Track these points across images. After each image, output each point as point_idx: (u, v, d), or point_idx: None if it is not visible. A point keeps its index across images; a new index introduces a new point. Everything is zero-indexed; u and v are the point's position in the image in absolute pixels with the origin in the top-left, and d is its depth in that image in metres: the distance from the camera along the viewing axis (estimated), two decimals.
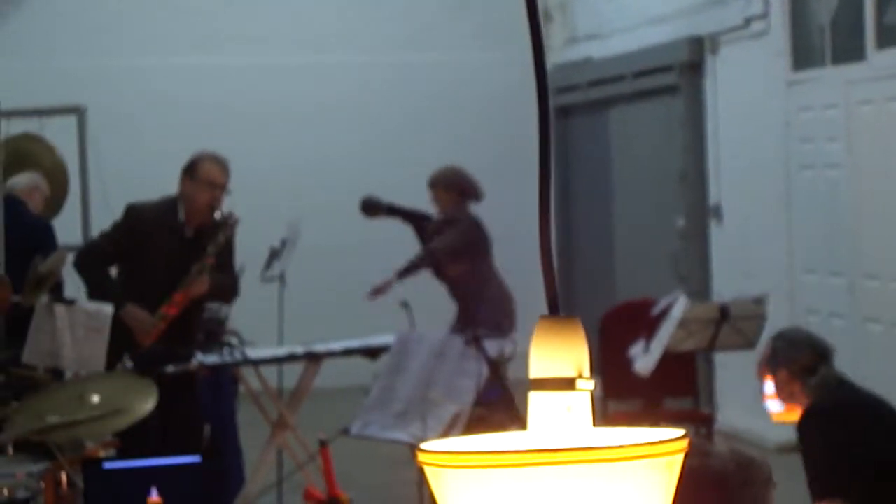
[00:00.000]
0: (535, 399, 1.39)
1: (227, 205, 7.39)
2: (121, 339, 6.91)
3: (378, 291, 9.17)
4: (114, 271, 7.42)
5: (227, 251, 7.37)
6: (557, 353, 1.39)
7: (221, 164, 7.32)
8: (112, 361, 6.78)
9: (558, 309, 1.42)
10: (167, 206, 7.25)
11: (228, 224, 7.20)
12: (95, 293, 7.16)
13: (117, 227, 7.31)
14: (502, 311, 9.02)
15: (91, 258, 7.26)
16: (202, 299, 7.35)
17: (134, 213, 7.26)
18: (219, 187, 7.23)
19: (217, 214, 7.20)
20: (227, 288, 7.45)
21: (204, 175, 7.21)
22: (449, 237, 8.85)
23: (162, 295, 7.12)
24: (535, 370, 1.39)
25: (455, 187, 9.26)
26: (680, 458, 1.36)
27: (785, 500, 7.79)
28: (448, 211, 9.08)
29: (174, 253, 7.15)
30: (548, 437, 1.37)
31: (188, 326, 7.34)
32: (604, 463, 1.30)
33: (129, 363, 6.92)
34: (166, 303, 7.12)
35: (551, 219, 1.47)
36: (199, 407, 7.31)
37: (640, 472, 1.32)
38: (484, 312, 8.88)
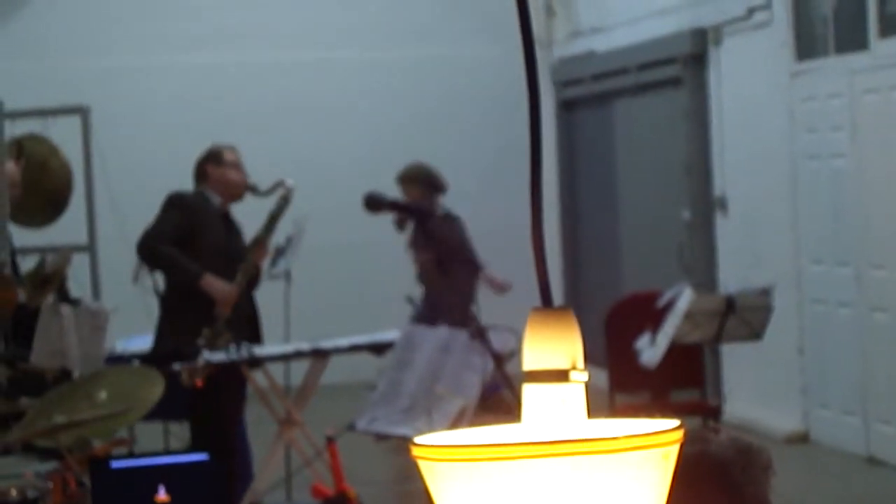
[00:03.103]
0: (529, 391, 1.39)
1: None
2: (201, 314, 7.17)
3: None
4: None
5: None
6: (551, 345, 1.39)
7: (236, 150, 7.72)
8: (194, 337, 6.99)
9: (551, 300, 1.41)
10: (199, 194, 7.53)
11: (282, 192, 7.62)
12: (174, 272, 7.37)
13: (169, 214, 7.47)
14: (464, 303, 9.64)
15: (157, 242, 7.38)
16: (255, 279, 7.60)
17: (180, 199, 7.49)
18: (242, 168, 7.63)
19: (263, 187, 7.60)
20: (259, 271, 7.75)
21: (230, 157, 7.60)
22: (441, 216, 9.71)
23: (217, 275, 7.34)
24: (529, 362, 1.39)
25: (424, 181, 9.91)
26: (675, 449, 1.35)
27: (794, 490, 7.80)
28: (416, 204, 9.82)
29: (220, 235, 7.45)
30: (542, 430, 1.36)
31: (254, 311, 7.59)
32: (598, 455, 1.29)
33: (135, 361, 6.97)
34: (243, 268, 7.39)
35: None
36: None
37: (634, 464, 1.31)
38: (447, 300, 9.49)
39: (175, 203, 7.47)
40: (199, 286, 7.31)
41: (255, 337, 7.53)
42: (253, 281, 7.67)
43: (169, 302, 7.51)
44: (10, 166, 7.99)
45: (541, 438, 1.29)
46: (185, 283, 7.38)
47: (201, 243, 7.38)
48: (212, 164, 7.54)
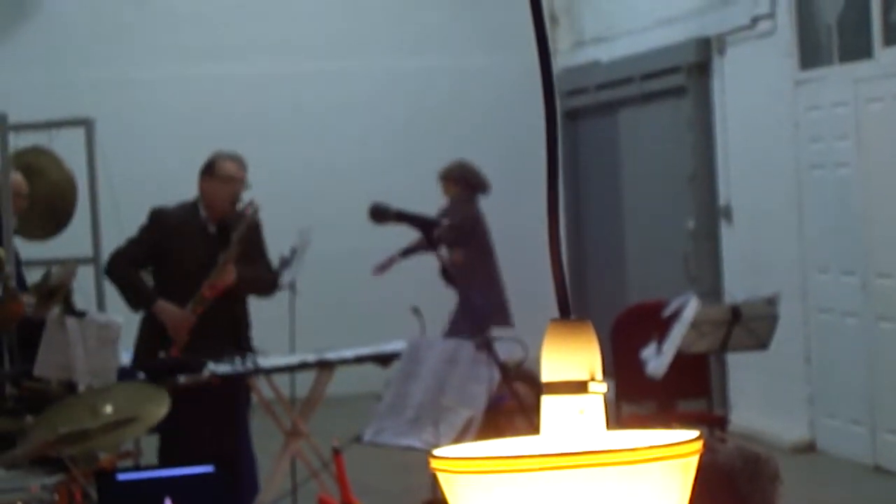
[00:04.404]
0: (548, 403, 1.38)
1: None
2: (157, 338, 7.08)
3: (382, 269, 10.11)
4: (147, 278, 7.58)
5: (256, 243, 7.54)
6: (569, 356, 1.38)
7: (238, 161, 7.57)
8: (149, 360, 6.94)
9: (569, 311, 1.41)
10: (188, 207, 7.46)
11: (249, 211, 7.39)
12: (128, 295, 7.36)
13: (144, 232, 7.49)
14: (495, 303, 9.67)
15: (121, 263, 7.40)
16: (240, 293, 7.47)
17: (158, 216, 7.45)
18: (238, 181, 7.46)
19: (238, 206, 7.42)
20: (262, 280, 7.63)
21: (222, 171, 7.45)
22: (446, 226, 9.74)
23: (193, 292, 7.27)
24: (547, 374, 1.38)
25: (462, 180, 9.95)
26: (695, 460, 1.35)
27: (801, 500, 7.77)
28: (455, 203, 9.66)
29: (200, 251, 7.34)
30: (561, 441, 1.36)
31: (238, 328, 7.50)
32: (618, 466, 1.29)
33: (141, 374, 6.95)
34: (196, 297, 7.26)
35: (560, 222, 1.47)
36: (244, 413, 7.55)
37: (654, 475, 1.31)
38: (478, 300, 9.52)
39: (151, 220, 7.46)
40: (152, 312, 7.28)
41: (238, 348, 7.42)
42: (249, 289, 7.56)
43: (144, 316, 7.50)
44: (17, 177, 8.00)
45: (561, 450, 1.29)
46: (139, 307, 7.36)
47: (176, 259, 7.32)
48: (206, 175, 7.49)
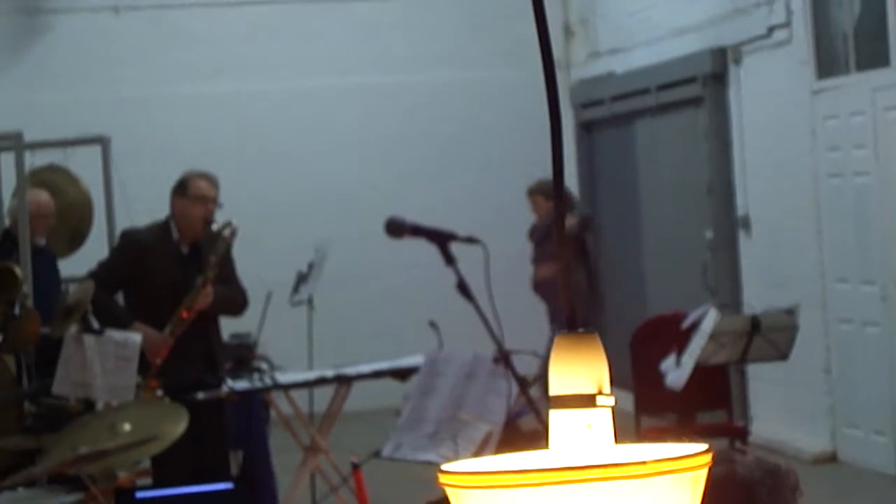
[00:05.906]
0: (556, 417, 1.37)
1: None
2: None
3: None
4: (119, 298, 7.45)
5: (227, 263, 7.36)
6: (577, 370, 1.37)
7: (211, 179, 7.38)
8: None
9: (576, 325, 1.40)
10: (160, 227, 7.30)
11: (227, 232, 7.22)
12: (102, 318, 7.20)
13: (115, 254, 7.39)
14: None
15: (95, 286, 7.27)
16: (212, 314, 7.33)
17: (129, 238, 7.32)
18: (210, 201, 7.28)
19: (214, 226, 7.24)
20: (234, 300, 7.43)
21: (195, 191, 7.27)
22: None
23: (166, 313, 7.09)
24: (555, 387, 1.37)
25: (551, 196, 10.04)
26: (704, 472, 1.34)
27: None
28: (546, 219, 10.02)
29: (173, 271, 7.17)
30: (569, 455, 1.35)
31: (210, 348, 7.35)
32: (626, 479, 1.28)
33: (159, 391, 6.93)
34: (174, 319, 7.10)
35: (567, 236, 1.46)
36: (228, 433, 7.31)
37: (663, 488, 1.30)
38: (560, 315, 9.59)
39: (122, 241, 7.33)
40: None
41: (212, 367, 7.27)
42: (223, 309, 7.39)
43: None
44: (45, 197, 8.04)
45: (568, 464, 1.28)
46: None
47: (148, 281, 7.15)
48: (177, 194, 7.29)
